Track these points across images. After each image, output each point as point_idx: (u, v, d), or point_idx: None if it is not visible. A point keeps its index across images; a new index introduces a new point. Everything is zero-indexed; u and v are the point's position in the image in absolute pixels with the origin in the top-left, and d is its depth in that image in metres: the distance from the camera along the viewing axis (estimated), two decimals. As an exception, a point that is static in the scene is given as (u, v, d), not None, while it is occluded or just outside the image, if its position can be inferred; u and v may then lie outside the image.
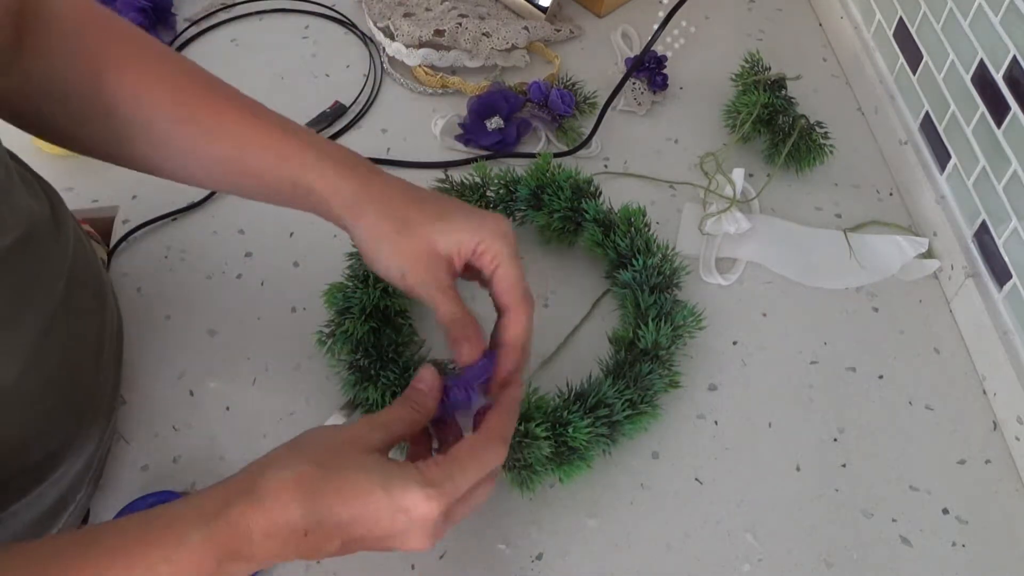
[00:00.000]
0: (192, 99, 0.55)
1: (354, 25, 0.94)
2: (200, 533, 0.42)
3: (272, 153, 0.55)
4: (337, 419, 0.63)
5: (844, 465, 0.64)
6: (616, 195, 0.77)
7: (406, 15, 0.91)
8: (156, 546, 0.42)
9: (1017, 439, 0.65)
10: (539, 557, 0.59)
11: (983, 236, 0.71)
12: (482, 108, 0.82)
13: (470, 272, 0.55)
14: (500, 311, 0.54)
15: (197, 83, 0.56)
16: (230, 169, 0.56)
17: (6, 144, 0.57)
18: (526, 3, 0.94)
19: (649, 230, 0.71)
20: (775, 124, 0.81)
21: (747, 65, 0.85)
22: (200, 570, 0.42)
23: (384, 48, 0.90)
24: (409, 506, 0.44)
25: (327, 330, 0.65)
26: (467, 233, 0.52)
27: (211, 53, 0.91)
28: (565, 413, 0.59)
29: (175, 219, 0.77)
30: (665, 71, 0.87)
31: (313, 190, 0.55)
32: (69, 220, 0.58)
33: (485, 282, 0.55)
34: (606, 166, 0.83)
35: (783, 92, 0.83)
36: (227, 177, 0.57)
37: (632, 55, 0.91)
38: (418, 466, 0.45)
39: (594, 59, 0.93)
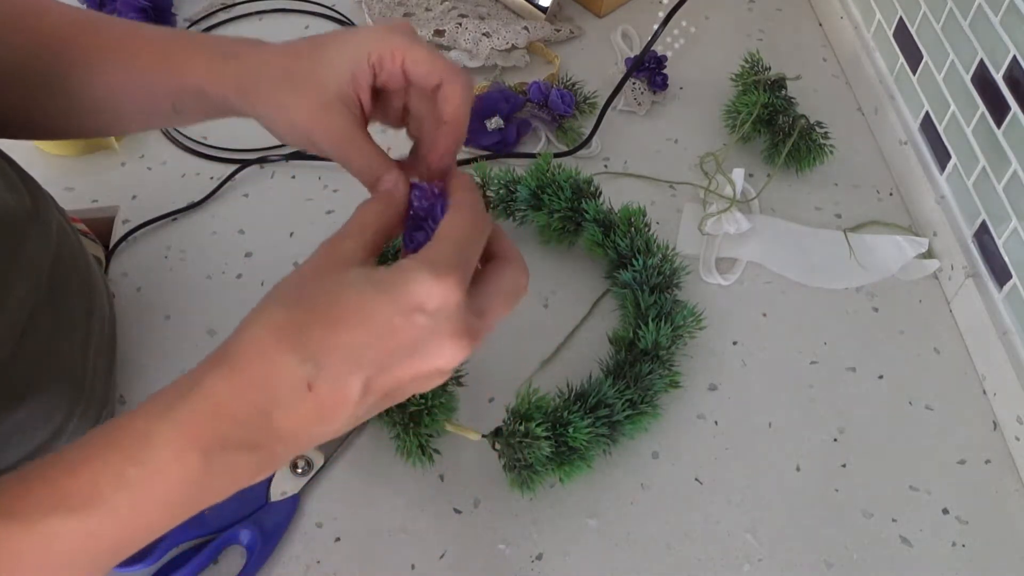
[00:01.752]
0: (77, 41, 0.51)
1: (354, 25, 0.94)
2: (167, 423, 0.35)
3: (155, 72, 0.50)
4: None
5: (844, 465, 0.64)
6: (616, 195, 0.77)
7: (406, 15, 0.91)
8: (119, 448, 0.35)
9: (1017, 439, 0.65)
10: (539, 557, 0.59)
11: (983, 236, 0.71)
12: (482, 108, 0.82)
13: (389, 99, 0.48)
14: (431, 93, 0.45)
15: (79, 25, 0.52)
16: (136, 96, 0.52)
17: (4, 145, 0.58)
18: (526, 3, 0.94)
19: (649, 230, 0.71)
20: (775, 124, 0.81)
21: (747, 65, 0.85)
22: (182, 467, 0.36)
23: (384, 48, 0.90)
24: (421, 298, 0.36)
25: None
26: (351, 55, 0.44)
27: (211, 53, 0.91)
28: (565, 413, 0.60)
29: (175, 219, 0.77)
30: (665, 71, 0.87)
31: (203, 92, 0.49)
32: (53, 216, 0.58)
33: (405, 94, 0.46)
34: (606, 166, 0.83)
35: (783, 92, 0.83)
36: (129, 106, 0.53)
37: (632, 55, 0.91)
38: (409, 256, 0.38)
39: (594, 59, 0.93)
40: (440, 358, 0.38)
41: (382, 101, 0.48)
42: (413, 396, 0.60)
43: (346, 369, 0.36)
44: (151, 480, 0.35)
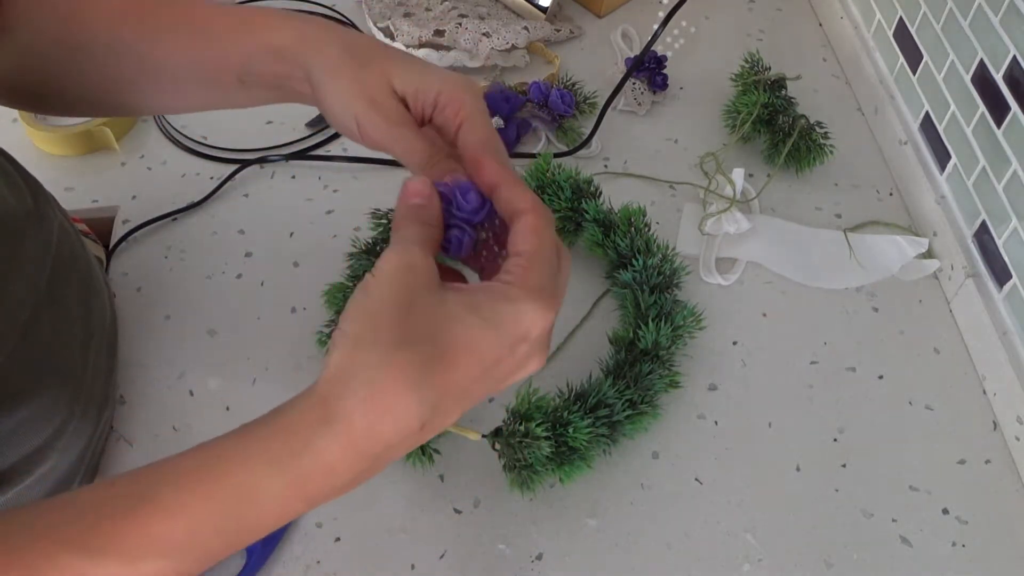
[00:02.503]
0: (156, 10, 0.52)
1: (354, 25, 0.94)
2: (279, 483, 0.35)
3: (239, 32, 0.50)
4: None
5: (844, 465, 0.64)
6: (616, 195, 0.77)
7: (406, 15, 0.91)
8: (221, 499, 0.35)
9: (1017, 439, 0.65)
10: (539, 557, 0.59)
11: (983, 236, 0.71)
12: (482, 108, 0.82)
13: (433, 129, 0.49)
14: (469, 170, 0.46)
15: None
16: (205, 66, 0.52)
17: (6, 143, 0.58)
18: (526, 3, 0.94)
19: (649, 230, 0.71)
20: (775, 124, 0.81)
21: (747, 65, 0.85)
22: (284, 517, 0.36)
23: (384, 48, 0.90)
24: (528, 329, 0.37)
25: (327, 330, 0.65)
26: (429, 76, 0.46)
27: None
28: (565, 413, 0.59)
29: (175, 219, 0.77)
30: (665, 71, 0.87)
31: (279, 51, 0.49)
32: (54, 215, 0.58)
33: (450, 142, 0.48)
34: (606, 166, 0.83)
35: (783, 92, 0.83)
36: (206, 75, 0.52)
37: (632, 55, 0.91)
38: (504, 280, 0.38)
39: (594, 59, 0.93)
40: (524, 375, 0.39)
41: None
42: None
43: (457, 406, 0.37)
44: (251, 531, 0.36)
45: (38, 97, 0.56)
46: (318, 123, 0.85)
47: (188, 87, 0.54)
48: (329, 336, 0.64)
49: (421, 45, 0.88)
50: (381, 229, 0.70)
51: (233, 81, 0.52)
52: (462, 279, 0.46)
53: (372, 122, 0.46)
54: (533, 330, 0.37)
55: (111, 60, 0.53)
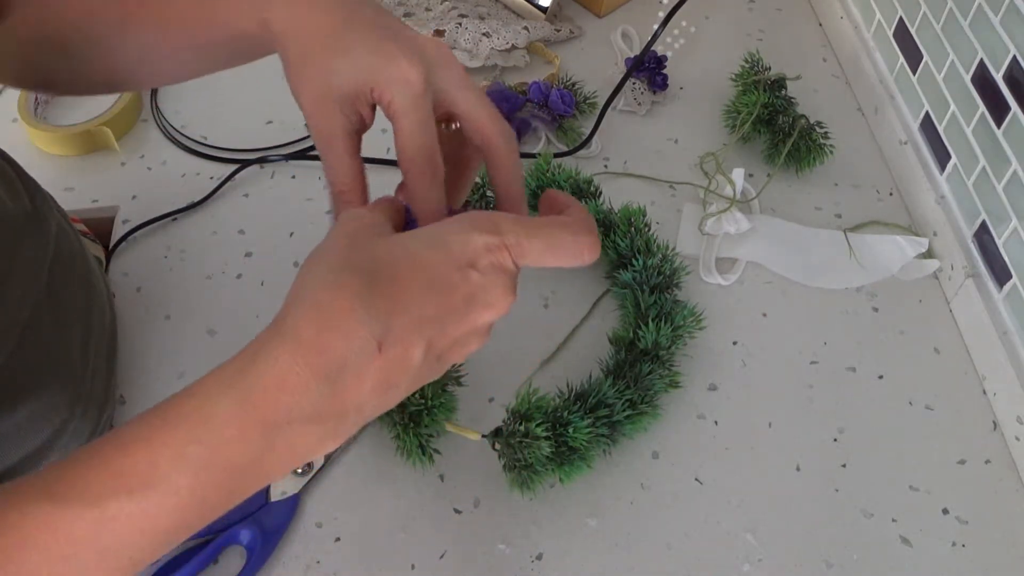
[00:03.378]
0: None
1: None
2: (229, 399, 0.35)
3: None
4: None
5: (844, 465, 0.64)
6: (616, 195, 0.77)
7: (406, 15, 0.91)
8: (178, 426, 0.34)
9: (1017, 439, 0.65)
10: (539, 557, 0.59)
11: (983, 236, 0.71)
12: (482, 108, 0.82)
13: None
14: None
15: None
16: (197, 33, 0.51)
17: (6, 143, 0.58)
18: (526, 3, 0.94)
19: (649, 230, 0.71)
20: (775, 124, 0.81)
21: (747, 65, 0.85)
22: (244, 445, 0.35)
23: (384, 48, 0.90)
24: (475, 254, 0.37)
25: (327, 330, 0.65)
26: (359, 73, 0.42)
27: (211, 53, 0.91)
28: (565, 413, 0.60)
29: (175, 219, 0.77)
30: (665, 71, 0.87)
31: (250, 34, 0.47)
32: (52, 216, 0.58)
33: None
34: (606, 166, 0.83)
35: (783, 92, 0.83)
36: (195, 40, 0.51)
37: (632, 55, 0.91)
38: (463, 214, 0.38)
39: (594, 59, 0.93)
40: (491, 312, 0.38)
41: None
42: (413, 396, 0.60)
43: (411, 329, 0.35)
44: (212, 459, 0.34)
45: (43, 80, 0.56)
46: (318, 123, 0.85)
47: (187, 63, 0.53)
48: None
49: (421, 45, 0.88)
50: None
51: (226, 55, 0.52)
52: None
53: (315, 129, 0.44)
54: (481, 256, 0.36)
55: (113, 44, 0.52)
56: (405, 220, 0.44)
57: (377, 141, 0.84)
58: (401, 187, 0.46)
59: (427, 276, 0.36)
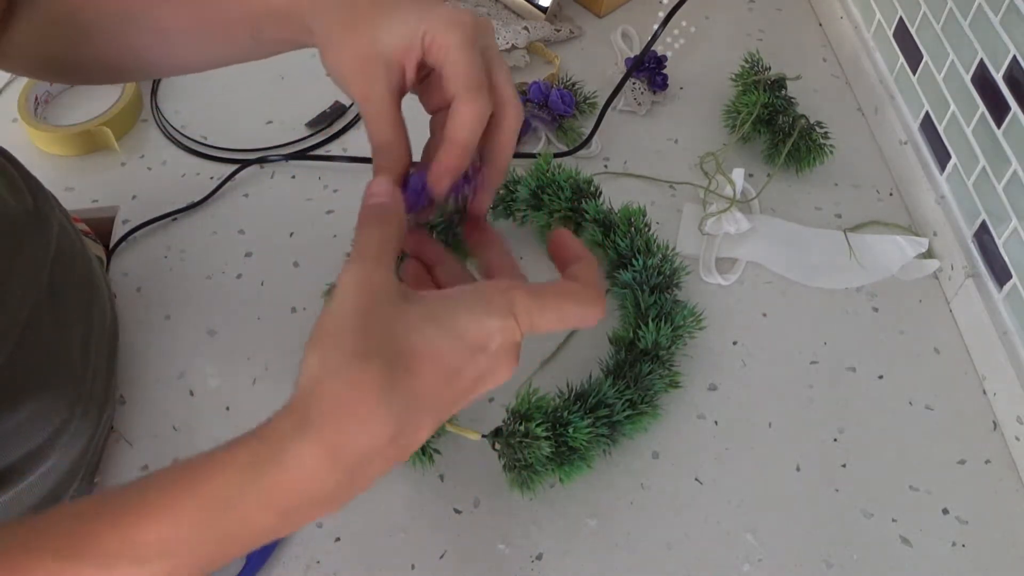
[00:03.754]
0: None
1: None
2: (253, 493, 0.35)
3: None
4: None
5: (844, 465, 0.64)
6: (616, 195, 0.77)
7: (406, 15, 0.91)
8: (197, 508, 0.35)
9: (1017, 439, 0.65)
10: (539, 557, 0.59)
11: (983, 236, 0.71)
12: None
13: (434, 83, 0.47)
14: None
15: None
16: (215, 29, 0.51)
17: (6, 143, 0.58)
18: (526, 3, 0.94)
19: (649, 230, 0.71)
20: (775, 124, 0.81)
21: (747, 65, 0.85)
22: (260, 528, 0.36)
23: (384, 48, 0.90)
24: (487, 340, 0.37)
25: (327, 330, 0.65)
26: (410, 25, 0.43)
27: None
28: (565, 413, 0.60)
29: (175, 219, 0.77)
30: (665, 71, 0.87)
31: (281, 11, 0.48)
32: (54, 215, 0.58)
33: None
34: (606, 166, 0.83)
35: (783, 92, 0.83)
36: (209, 30, 0.52)
37: (632, 55, 0.91)
38: (475, 287, 0.38)
39: (594, 59, 0.93)
40: (495, 383, 0.39)
41: (429, 82, 0.47)
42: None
43: (426, 418, 0.37)
44: (224, 541, 0.36)
45: (59, 67, 0.57)
46: (318, 123, 0.85)
47: (202, 47, 0.53)
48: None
49: (421, 45, 0.88)
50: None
51: (246, 39, 0.51)
52: (433, 284, 0.46)
53: (360, 95, 0.45)
54: (491, 341, 0.37)
55: (125, 27, 0.53)
56: (415, 193, 0.44)
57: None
58: (415, 165, 0.46)
59: (443, 367, 0.37)
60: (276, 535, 0.37)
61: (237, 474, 0.35)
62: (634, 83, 0.88)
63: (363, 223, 0.41)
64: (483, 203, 0.47)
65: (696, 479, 0.63)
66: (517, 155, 0.82)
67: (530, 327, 0.38)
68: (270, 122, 0.85)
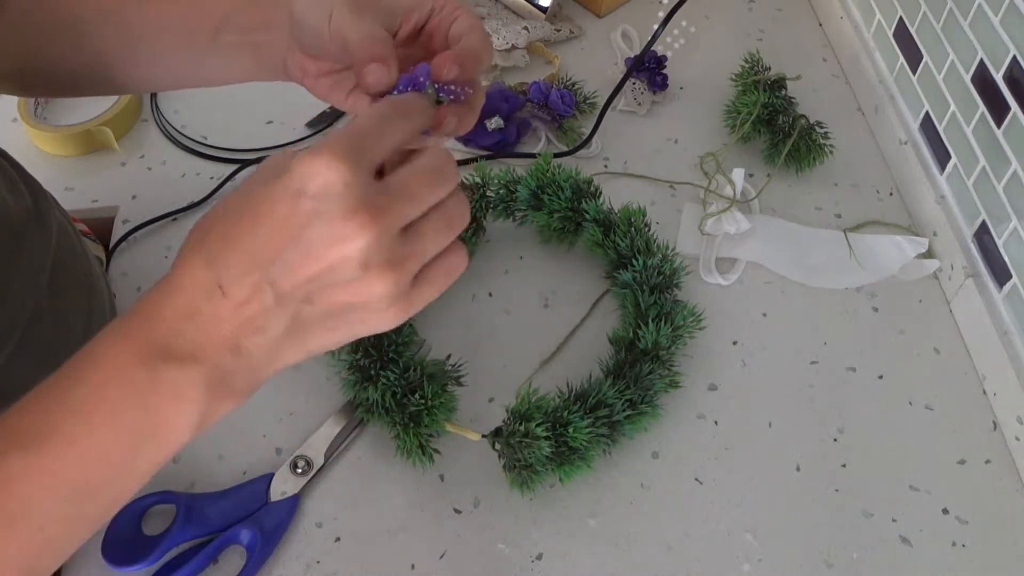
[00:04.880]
0: None
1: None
2: (106, 338, 0.36)
3: None
4: (337, 421, 0.63)
5: (844, 465, 0.64)
6: (616, 195, 0.77)
7: (406, 15, 0.91)
8: (65, 375, 0.36)
9: (1017, 439, 0.65)
10: (539, 557, 0.59)
11: (983, 236, 0.71)
12: (482, 108, 0.82)
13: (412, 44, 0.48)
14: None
15: None
16: (183, 26, 0.51)
17: (6, 143, 0.58)
18: (526, 3, 0.94)
19: (649, 230, 0.71)
20: (775, 124, 0.81)
21: (747, 65, 0.85)
22: (125, 382, 0.35)
23: (384, 48, 0.90)
24: (301, 180, 0.33)
25: (327, 330, 0.65)
26: None
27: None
28: (565, 413, 0.59)
29: (175, 219, 0.77)
30: (665, 71, 0.87)
31: None
32: (53, 217, 0.58)
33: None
34: (606, 166, 0.83)
35: (783, 92, 0.83)
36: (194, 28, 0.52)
37: (632, 55, 0.91)
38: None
39: (594, 59, 0.93)
40: (337, 243, 0.34)
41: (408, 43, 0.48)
42: (413, 396, 0.60)
43: (248, 268, 0.35)
44: (97, 399, 0.35)
45: (30, 79, 0.56)
46: (318, 123, 0.85)
47: (165, 54, 0.53)
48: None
49: (421, 45, 0.88)
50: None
51: (208, 40, 0.51)
52: None
53: (346, 30, 0.44)
54: (308, 182, 0.33)
55: (95, 32, 0.52)
56: (408, 80, 0.44)
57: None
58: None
59: (257, 214, 0.34)
60: (153, 407, 0.35)
61: (98, 336, 0.36)
62: (634, 83, 0.88)
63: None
64: (467, 122, 0.46)
65: (696, 479, 0.63)
66: (517, 155, 0.82)
67: (356, 152, 0.34)
68: (270, 122, 0.85)
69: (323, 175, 0.33)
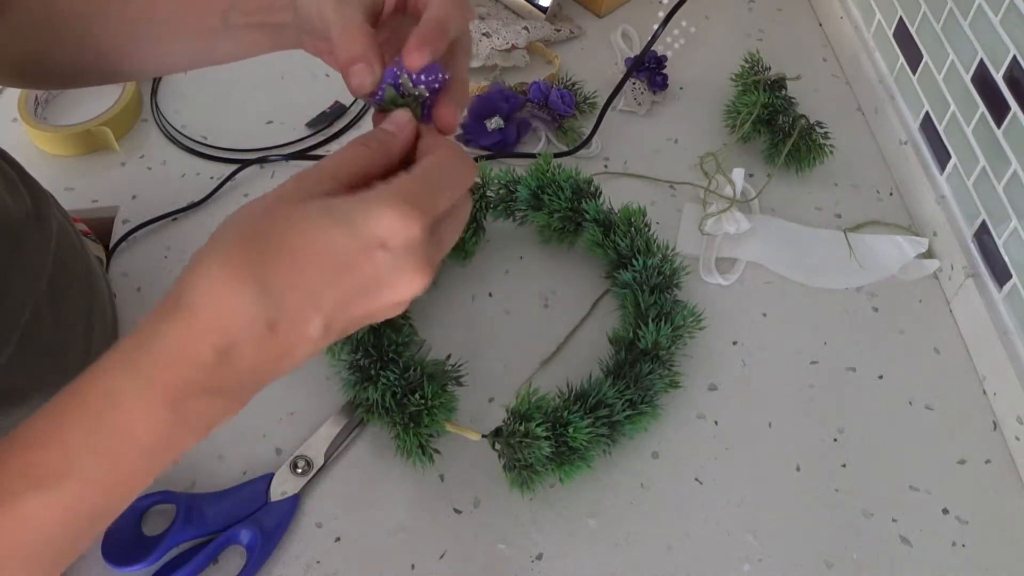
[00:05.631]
0: None
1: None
2: (131, 379, 0.34)
3: None
4: (337, 421, 0.63)
5: (844, 465, 0.64)
6: (616, 195, 0.77)
7: (406, 15, 0.91)
8: (86, 412, 0.34)
9: (1017, 439, 0.65)
10: (539, 557, 0.59)
11: (983, 236, 0.71)
12: (482, 108, 0.82)
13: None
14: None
15: None
16: (190, 10, 0.51)
17: (6, 143, 0.58)
18: (526, 3, 0.94)
19: (649, 230, 0.71)
20: (775, 124, 0.81)
21: (747, 65, 0.85)
22: (152, 424, 0.34)
23: (384, 48, 0.90)
24: (384, 234, 0.34)
25: (327, 330, 0.65)
26: None
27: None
28: (565, 413, 0.59)
29: (175, 219, 0.77)
30: (665, 71, 0.87)
31: None
32: (53, 217, 0.58)
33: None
34: (606, 166, 0.83)
35: (783, 92, 0.83)
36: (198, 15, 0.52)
37: (632, 55, 0.91)
38: (376, 187, 0.36)
39: (594, 59, 0.93)
40: (399, 293, 0.36)
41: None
42: (413, 396, 0.60)
43: (307, 309, 0.35)
44: (122, 443, 0.34)
45: (38, 73, 0.56)
46: (318, 123, 0.85)
47: (173, 40, 0.53)
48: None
49: (421, 45, 0.88)
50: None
51: (217, 23, 0.50)
52: None
53: (327, 15, 0.44)
54: (391, 237, 0.34)
55: (99, 27, 0.52)
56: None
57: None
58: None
59: (332, 258, 0.34)
60: (178, 439, 0.35)
61: (118, 366, 0.34)
62: (634, 83, 0.88)
63: (355, 142, 0.40)
64: (450, 116, 0.45)
65: (696, 479, 0.63)
66: (517, 155, 0.82)
67: (430, 209, 0.36)
68: (270, 122, 0.85)
69: (406, 233, 0.34)
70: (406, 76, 0.44)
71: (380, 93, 0.44)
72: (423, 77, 0.44)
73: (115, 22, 0.52)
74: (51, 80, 0.60)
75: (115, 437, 0.34)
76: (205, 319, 0.34)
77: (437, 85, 0.44)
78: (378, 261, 0.35)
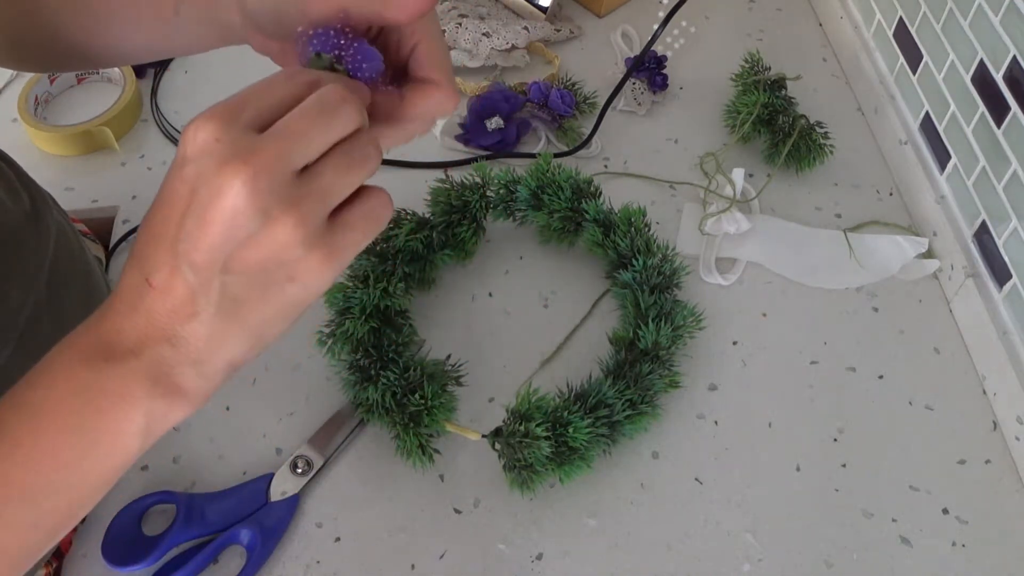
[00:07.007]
0: None
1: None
2: (60, 345, 0.37)
3: None
4: (337, 421, 0.63)
5: (844, 465, 0.64)
6: (616, 195, 0.77)
7: (406, 15, 0.91)
8: (23, 381, 0.37)
9: (1017, 439, 0.65)
10: (539, 557, 0.59)
11: (983, 236, 0.71)
12: (482, 108, 0.82)
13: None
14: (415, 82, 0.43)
15: None
16: None
17: (6, 143, 0.58)
18: (526, 3, 0.94)
19: (649, 230, 0.71)
20: (775, 124, 0.81)
21: (747, 65, 0.85)
22: (70, 380, 0.36)
23: (384, 48, 0.90)
24: (184, 151, 0.34)
25: (327, 330, 0.65)
26: None
27: (212, 52, 0.91)
28: (565, 413, 0.59)
29: (175, 219, 0.77)
30: (665, 71, 0.87)
31: None
32: (51, 218, 0.58)
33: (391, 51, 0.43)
34: (606, 166, 0.83)
35: (783, 92, 0.83)
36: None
37: (632, 55, 0.91)
38: None
39: (594, 59, 0.93)
40: (218, 198, 0.33)
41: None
42: (413, 396, 0.60)
43: (163, 254, 0.34)
44: (42, 400, 0.35)
45: (15, 56, 0.55)
46: (318, 123, 0.85)
47: (135, 28, 0.52)
48: (329, 336, 0.64)
49: (421, 45, 0.88)
50: (381, 229, 0.70)
51: (172, 15, 0.50)
52: None
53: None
54: (188, 146, 0.33)
55: (66, 13, 0.51)
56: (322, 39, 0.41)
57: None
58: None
59: (159, 198, 0.35)
60: (103, 410, 0.36)
61: (66, 350, 0.37)
62: (634, 83, 0.88)
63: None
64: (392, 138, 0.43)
65: (696, 479, 0.63)
66: (517, 155, 0.82)
67: (226, 113, 0.34)
68: (270, 122, 0.85)
69: (197, 137, 0.33)
70: (306, 40, 0.41)
71: (312, 48, 0.41)
72: (363, 65, 0.41)
73: (83, 7, 0.51)
74: (27, 63, 0.59)
75: (37, 397, 0.36)
76: (114, 292, 0.37)
77: (369, 76, 0.41)
78: (187, 176, 0.33)
